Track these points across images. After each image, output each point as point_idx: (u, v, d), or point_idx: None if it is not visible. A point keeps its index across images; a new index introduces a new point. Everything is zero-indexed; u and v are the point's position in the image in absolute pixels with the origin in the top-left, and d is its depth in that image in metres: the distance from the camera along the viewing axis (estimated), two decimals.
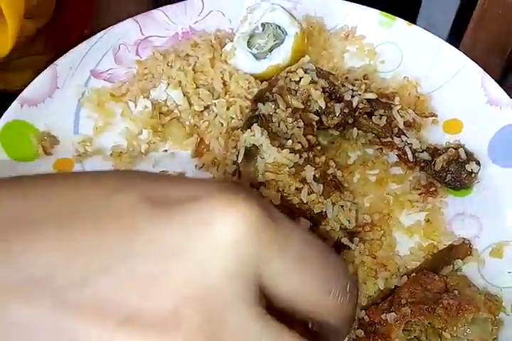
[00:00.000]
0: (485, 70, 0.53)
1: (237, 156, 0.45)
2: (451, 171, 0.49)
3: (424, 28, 0.56)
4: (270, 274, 0.23)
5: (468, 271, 0.46)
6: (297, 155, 0.44)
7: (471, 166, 0.49)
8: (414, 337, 0.41)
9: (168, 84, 0.53)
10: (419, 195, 0.51)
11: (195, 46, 0.55)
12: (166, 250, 0.22)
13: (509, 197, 0.49)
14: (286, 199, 0.43)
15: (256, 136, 0.43)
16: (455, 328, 0.40)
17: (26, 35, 0.54)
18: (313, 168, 0.44)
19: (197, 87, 0.53)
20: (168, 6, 0.57)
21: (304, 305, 0.25)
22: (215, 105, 0.53)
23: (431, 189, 0.51)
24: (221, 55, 0.54)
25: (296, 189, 0.44)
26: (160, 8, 0.57)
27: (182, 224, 0.23)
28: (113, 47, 0.56)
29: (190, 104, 0.53)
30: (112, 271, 0.22)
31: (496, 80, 0.53)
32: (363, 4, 0.58)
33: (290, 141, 0.45)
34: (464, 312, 0.40)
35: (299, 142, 0.46)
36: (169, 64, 0.55)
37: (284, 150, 0.43)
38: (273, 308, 0.24)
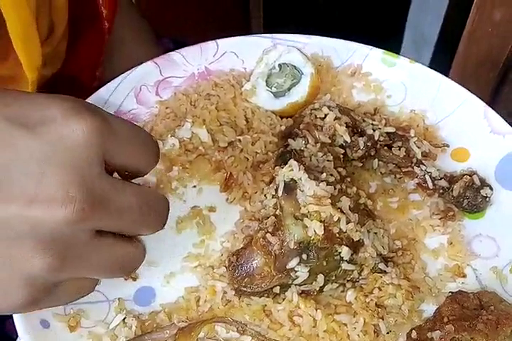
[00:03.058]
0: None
1: (276, 190, 0.52)
2: (467, 196, 0.57)
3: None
4: (111, 152, 0.41)
5: (492, 288, 0.54)
6: (332, 186, 0.51)
7: (486, 191, 0.57)
8: None
9: (193, 122, 0.59)
10: (439, 219, 0.58)
11: (216, 86, 0.62)
12: (42, 156, 0.38)
13: None
14: (328, 229, 0.49)
15: (294, 170, 0.50)
16: None
17: (40, 82, 0.59)
18: (349, 199, 0.51)
19: (221, 125, 0.60)
20: (185, 48, 0.64)
21: (131, 167, 0.45)
22: (240, 141, 0.60)
23: (449, 213, 0.59)
24: (241, 94, 0.61)
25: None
26: (178, 51, 0.64)
27: (45, 138, 0.38)
28: (135, 89, 0.61)
29: (215, 141, 0.59)
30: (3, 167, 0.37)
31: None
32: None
33: (324, 174, 0.52)
34: (503, 326, 0.47)
35: (331, 174, 0.53)
36: (192, 103, 0.61)
37: (321, 183, 0.50)
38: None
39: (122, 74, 0.61)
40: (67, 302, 0.46)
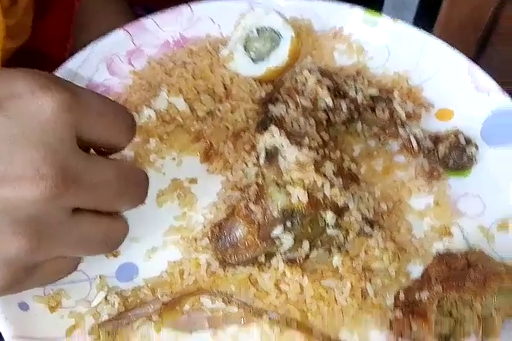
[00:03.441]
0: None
1: (257, 158, 0.49)
2: (453, 156, 0.55)
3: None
4: (82, 127, 0.39)
5: (480, 247, 0.53)
6: (315, 152, 0.49)
7: (471, 150, 0.56)
8: (447, 311, 0.47)
9: (169, 91, 0.56)
10: (425, 180, 0.57)
11: (192, 53, 0.58)
12: (11, 134, 0.36)
13: (505, 175, 0.56)
14: (311, 195, 0.47)
15: (275, 136, 0.48)
16: (483, 298, 0.46)
17: (6, 56, 0.55)
18: (332, 163, 0.49)
19: (198, 93, 0.57)
20: (158, 14, 0.60)
21: (106, 140, 0.42)
22: (219, 109, 0.57)
23: (434, 173, 0.57)
24: (219, 60, 0.58)
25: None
26: (150, 17, 0.60)
27: (12, 115, 0.37)
28: (106, 58, 0.58)
29: (193, 110, 0.57)
30: None
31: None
32: None
33: (307, 139, 0.50)
34: (490, 283, 0.46)
35: (313, 139, 0.51)
36: (167, 72, 0.58)
37: (304, 148, 0.48)
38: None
39: (91, 44, 0.57)
40: (50, 282, 0.44)
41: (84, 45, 0.58)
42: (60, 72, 0.56)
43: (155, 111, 0.55)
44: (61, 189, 0.36)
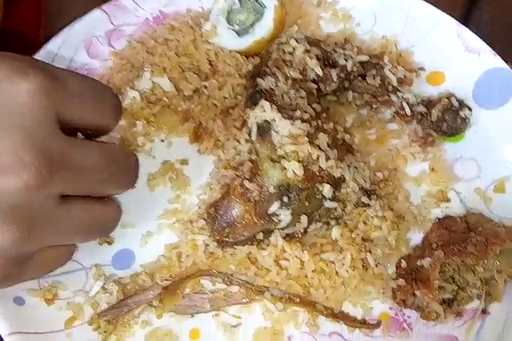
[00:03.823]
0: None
1: (249, 134, 0.47)
2: (446, 120, 0.53)
3: None
4: (64, 110, 0.37)
5: (477, 210, 0.51)
6: (307, 124, 0.47)
7: (464, 112, 0.53)
8: (449, 276, 0.46)
9: (153, 71, 0.53)
10: (419, 146, 0.55)
11: (173, 30, 0.55)
12: None
13: (499, 136, 0.54)
14: (307, 169, 0.45)
15: (266, 111, 0.45)
16: (486, 262, 0.44)
17: None
18: (326, 135, 0.47)
19: (183, 71, 0.54)
20: None
21: (91, 123, 0.41)
22: (205, 87, 0.54)
23: (429, 139, 0.55)
24: (202, 36, 0.55)
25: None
26: None
27: None
28: (84, 41, 0.55)
29: (179, 89, 0.54)
30: None
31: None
32: None
33: (298, 112, 0.47)
34: (492, 245, 0.44)
35: (305, 111, 0.48)
36: (149, 51, 0.55)
37: (296, 121, 0.46)
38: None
39: (67, 27, 0.54)
40: (45, 273, 0.43)
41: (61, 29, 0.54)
42: (39, 56, 0.52)
43: (139, 92, 0.52)
44: (46, 176, 0.35)
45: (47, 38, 0.55)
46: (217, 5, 0.55)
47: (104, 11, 0.56)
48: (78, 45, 0.55)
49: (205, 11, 0.58)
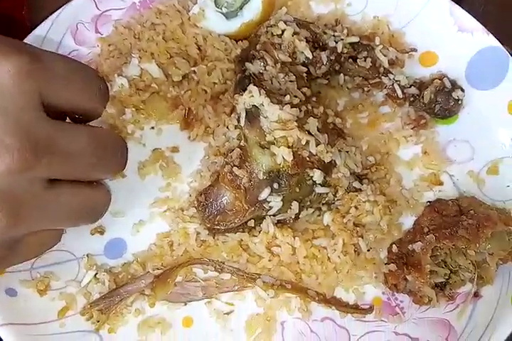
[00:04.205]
0: None
1: (238, 120, 0.46)
2: (439, 101, 0.52)
3: None
4: (49, 93, 0.35)
5: (470, 192, 0.50)
6: (297, 109, 0.45)
7: (457, 93, 0.52)
8: (441, 260, 0.45)
9: (140, 57, 0.51)
10: (412, 129, 0.53)
11: (160, 14, 0.53)
12: None
13: (493, 117, 0.52)
14: (297, 154, 0.44)
15: (255, 96, 0.44)
16: (477, 245, 0.43)
17: None
18: (316, 120, 0.46)
19: (171, 57, 0.52)
20: None
21: (77, 106, 0.39)
22: (194, 72, 0.52)
23: (421, 122, 0.53)
24: (189, 19, 0.53)
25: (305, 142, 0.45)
26: None
27: None
28: (71, 28, 0.53)
29: (167, 75, 0.52)
30: None
31: None
32: None
33: (288, 97, 0.46)
34: (484, 228, 0.43)
35: (295, 96, 0.47)
36: (136, 36, 0.53)
37: (285, 106, 0.44)
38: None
39: (53, 14, 0.52)
40: (35, 256, 0.42)
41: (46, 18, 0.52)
42: None
43: (127, 79, 0.50)
44: (31, 160, 0.33)
45: (32, 20, 0.53)
46: None
47: None
48: (65, 32, 0.53)
49: None
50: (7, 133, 0.33)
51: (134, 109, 0.50)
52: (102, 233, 0.48)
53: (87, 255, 0.48)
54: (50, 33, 0.52)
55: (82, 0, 0.53)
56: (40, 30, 0.51)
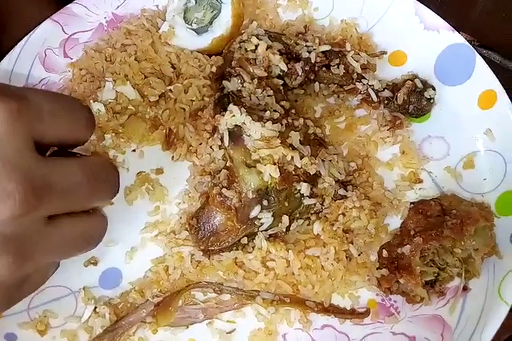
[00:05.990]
0: None
1: (221, 140, 0.44)
2: (412, 102, 0.51)
3: None
4: (38, 131, 0.35)
5: (449, 188, 0.49)
6: (278, 124, 0.44)
7: (429, 93, 0.51)
8: (430, 260, 0.44)
9: (114, 80, 0.49)
10: (388, 130, 0.52)
11: (130, 34, 0.50)
12: None
13: (464, 112, 0.52)
14: (283, 169, 0.43)
15: (236, 116, 0.42)
16: (463, 243, 0.43)
17: None
18: (297, 133, 0.44)
19: (146, 77, 0.50)
20: None
21: (66, 139, 0.38)
22: (171, 91, 0.50)
23: (397, 122, 0.52)
24: (160, 38, 0.50)
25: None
26: (76, 1, 0.51)
27: None
28: (39, 55, 0.49)
29: (144, 96, 0.50)
30: None
31: None
32: None
33: (268, 112, 0.44)
34: (467, 226, 0.43)
35: (275, 110, 0.45)
36: (108, 59, 0.50)
37: (267, 122, 0.42)
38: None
39: (20, 42, 0.48)
40: (38, 288, 0.41)
41: (13, 42, 0.48)
42: None
43: (103, 104, 0.47)
44: (33, 202, 0.33)
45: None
46: (173, 5, 0.50)
47: (56, 21, 0.50)
48: (33, 60, 0.49)
49: (160, 9, 0.53)
50: (7, 180, 0.32)
51: (113, 133, 0.48)
52: (95, 264, 0.46)
53: (83, 288, 0.46)
54: (18, 63, 0.49)
55: (49, 24, 0.50)
56: (7, 61, 0.48)
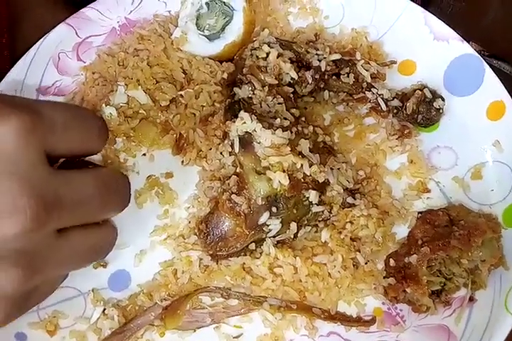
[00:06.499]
0: None
1: (232, 146, 0.44)
2: (421, 111, 0.51)
3: None
4: (50, 144, 0.34)
5: (457, 198, 0.50)
6: (288, 131, 0.44)
7: (438, 103, 0.51)
8: (436, 270, 0.44)
9: (126, 85, 0.49)
10: (397, 139, 0.52)
11: (142, 39, 0.50)
12: None
13: (473, 122, 0.52)
14: (292, 177, 0.43)
15: (247, 123, 0.42)
16: (470, 254, 0.43)
17: None
18: (307, 141, 0.44)
19: (157, 82, 0.50)
20: (98, 1, 0.51)
21: (78, 150, 0.38)
22: (182, 96, 0.50)
23: (405, 131, 0.52)
24: (172, 44, 0.50)
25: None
26: (90, 6, 0.51)
27: None
28: (53, 58, 0.50)
29: (155, 101, 0.50)
30: None
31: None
32: None
33: (278, 120, 0.44)
34: (474, 237, 0.43)
35: (285, 118, 0.45)
36: (120, 63, 0.50)
37: (277, 130, 0.43)
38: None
39: (34, 45, 0.49)
40: (47, 296, 0.41)
41: (26, 47, 0.49)
42: (7, 79, 0.48)
43: (115, 107, 0.48)
44: (44, 217, 0.33)
45: (12, 48, 0.49)
46: (185, 11, 0.51)
47: (69, 25, 0.51)
48: (47, 63, 0.50)
49: (173, 14, 0.54)
50: (19, 194, 0.32)
51: (124, 137, 0.48)
52: (105, 266, 0.46)
53: (93, 290, 0.46)
54: (32, 66, 0.49)
55: (63, 28, 0.50)
56: (22, 63, 0.48)
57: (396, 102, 0.51)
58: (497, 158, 0.50)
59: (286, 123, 0.45)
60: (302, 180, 0.43)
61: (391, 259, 0.45)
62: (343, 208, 0.47)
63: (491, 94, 0.50)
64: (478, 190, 0.50)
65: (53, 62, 0.50)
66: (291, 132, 0.44)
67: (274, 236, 0.45)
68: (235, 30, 0.50)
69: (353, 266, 0.45)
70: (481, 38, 0.58)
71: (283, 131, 0.43)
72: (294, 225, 0.44)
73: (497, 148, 0.50)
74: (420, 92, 0.51)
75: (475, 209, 0.49)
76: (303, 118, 0.48)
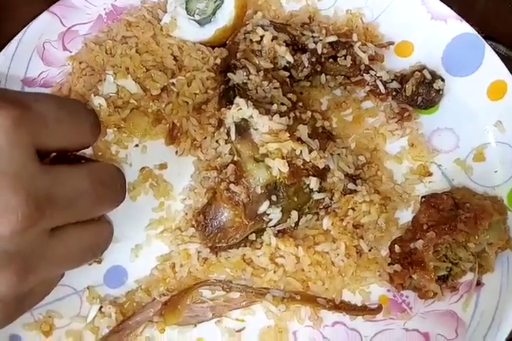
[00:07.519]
0: None
1: (228, 134, 0.42)
2: (421, 93, 0.49)
3: None
4: (41, 139, 0.33)
5: (459, 181, 0.48)
6: (286, 117, 0.42)
7: (438, 84, 0.49)
8: (443, 255, 0.43)
9: (115, 73, 0.47)
10: (396, 122, 0.51)
11: (130, 26, 0.48)
12: None
13: (473, 103, 0.50)
14: (292, 164, 0.41)
15: (243, 109, 0.40)
16: (477, 237, 0.42)
17: None
18: (305, 126, 0.42)
19: (147, 70, 0.48)
20: None
21: (70, 144, 0.37)
22: (173, 84, 0.48)
23: (405, 114, 0.51)
24: (162, 30, 0.48)
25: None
26: None
27: None
28: (37, 48, 0.47)
29: (146, 90, 0.48)
30: None
31: None
32: None
33: (275, 105, 0.43)
34: (481, 220, 0.42)
35: (282, 103, 0.43)
36: (108, 52, 0.48)
37: (275, 116, 0.41)
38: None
39: (17, 35, 0.46)
40: (43, 298, 0.39)
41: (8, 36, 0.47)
42: None
43: (104, 98, 0.46)
44: (35, 217, 0.31)
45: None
46: None
47: (53, 13, 0.48)
48: (31, 53, 0.47)
49: (161, 0, 0.51)
50: (10, 193, 0.30)
51: (115, 128, 0.46)
52: (99, 262, 0.45)
53: (88, 287, 0.45)
54: (16, 57, 0.47)
55: (46, 17, 0.48)
56: (4, 55, 0.46)
57: (395, 84, 0.50)
58: (499, 138, 0.48)
59: (284, 108, 0.43)
60: (302, 166, 0.42)
61: (396, 245, 0.43)
62: (345, 195, 0.45)
63: (491, 74, 0.49)
64: (481, 171, 0.48)
65: (38, 53, 0.48)
66: (289, 117, 0.42)
67: (274, 226, 0.43)
68: (227, 14, 0.48)
69: (357, 253, 0.44)
70: (475, 19, 0.56)
71: (280, 117, 0.41)
72: (294, 213, 0.43)
73: (499, 128, 0.48)
74: (419, 73, 0.49)
75: (479, 191, 0.47)
76: (300, 103, 0.46)
